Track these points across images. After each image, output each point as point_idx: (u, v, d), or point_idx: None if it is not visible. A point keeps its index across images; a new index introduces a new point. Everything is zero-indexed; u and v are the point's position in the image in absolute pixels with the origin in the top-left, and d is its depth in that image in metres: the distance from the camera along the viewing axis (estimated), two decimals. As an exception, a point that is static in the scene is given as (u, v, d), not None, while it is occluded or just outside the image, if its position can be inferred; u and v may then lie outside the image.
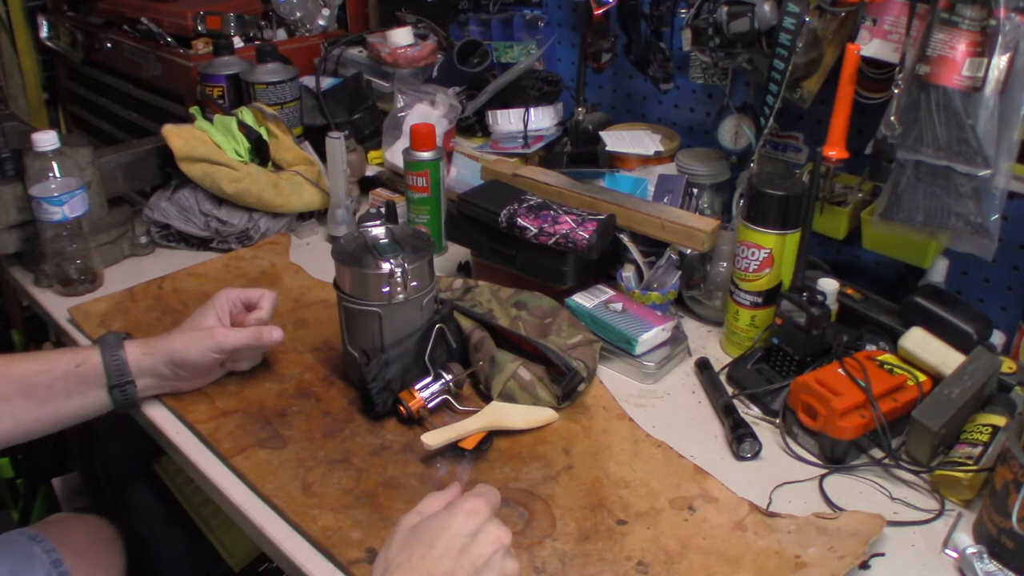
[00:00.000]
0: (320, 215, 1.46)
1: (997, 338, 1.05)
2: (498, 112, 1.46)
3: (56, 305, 1.21)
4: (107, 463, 1.56)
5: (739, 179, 1.31)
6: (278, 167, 1.41)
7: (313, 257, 1.36)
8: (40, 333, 1.96)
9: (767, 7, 1.08)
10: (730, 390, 1.04)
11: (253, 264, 1.32)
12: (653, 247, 1.18)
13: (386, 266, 0.94)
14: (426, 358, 0.98)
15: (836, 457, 0.92)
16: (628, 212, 1.17)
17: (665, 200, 1.24)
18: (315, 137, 1.45)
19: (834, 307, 1.05)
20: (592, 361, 1.02)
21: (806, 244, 1.03)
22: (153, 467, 1.51)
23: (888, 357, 0.99)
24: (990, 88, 0.90)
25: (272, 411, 0.99)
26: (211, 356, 0.96)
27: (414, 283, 0.95)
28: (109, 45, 1.80)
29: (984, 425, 0.89)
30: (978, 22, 0.88)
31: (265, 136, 1.39)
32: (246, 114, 1.40)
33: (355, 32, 1.77)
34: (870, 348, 1.03)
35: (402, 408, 0.95)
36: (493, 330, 1.05)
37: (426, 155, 1.30)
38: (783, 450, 0.95)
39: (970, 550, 0.78)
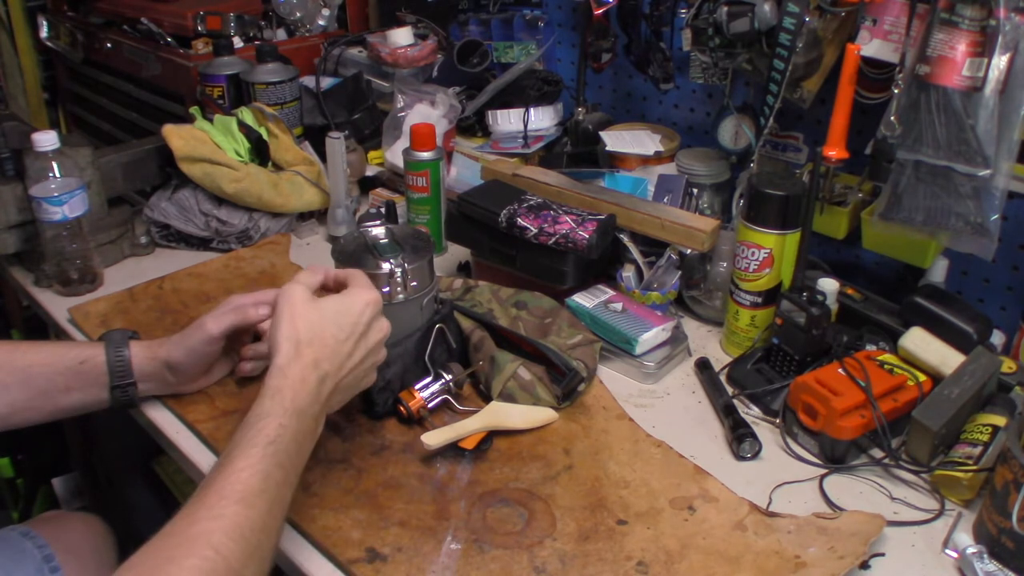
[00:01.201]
0: (320, 215, 1.46)
1: (997, 338, 1.06)
2: (498, 112, 1.46)
3: (56, 305, 1.21)
4: (107, 463, 1.56)
5: (739, 179, 1.31)
6: (278, 167, 1.41)
7: (313, 257, 1.36)
8: (40, 333, 1.96)
9: (767, 7, 1.08)
10: (730, 390, 1.04)
11: (253, 264, 1.32)
12: (653, 247, 1.18)
13: (386, 266, 0.94)
14: (426, 358, 0.98)
15: (836, 457, 0.92)
16: (628, 212, 1.17)
17: (665, 200, 1.24)
18: (315, 137, 1.44)
19: (834, 307, 1.05)
20: (592, 361, 1.02)
21: (806, 244, 1.03)
22: (153, 467, 1.51)
23: (888, 357, 0.99)
24: (990, 88, 0.90)
25: (272, 411, 0.98)
26: (205, 348, 0.95)
27: (414, 283, 0.95)
28: (109, 45, 1.80)
29: (984, 425, 0.89)
30: (978, 22, 0.88)
31: (265, 136, 1.39)
32: (246, 114, 1.40)
33: (355, 32, 1.77)
34: (870, 348, 1.03)
35: (402, 408, 0.95)
36: (493, 330, 1.05)
37: (426, 155, 1.30)
38: (783, 450, 0.95)
39: (970, 550, 0.78)
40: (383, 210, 1.33)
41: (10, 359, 0.91)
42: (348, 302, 0.81)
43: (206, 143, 1.33)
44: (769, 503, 0.87)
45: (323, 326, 0.79)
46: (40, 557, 1.02)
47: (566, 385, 0.98)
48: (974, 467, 0.85)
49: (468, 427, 0.92)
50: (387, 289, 0.94)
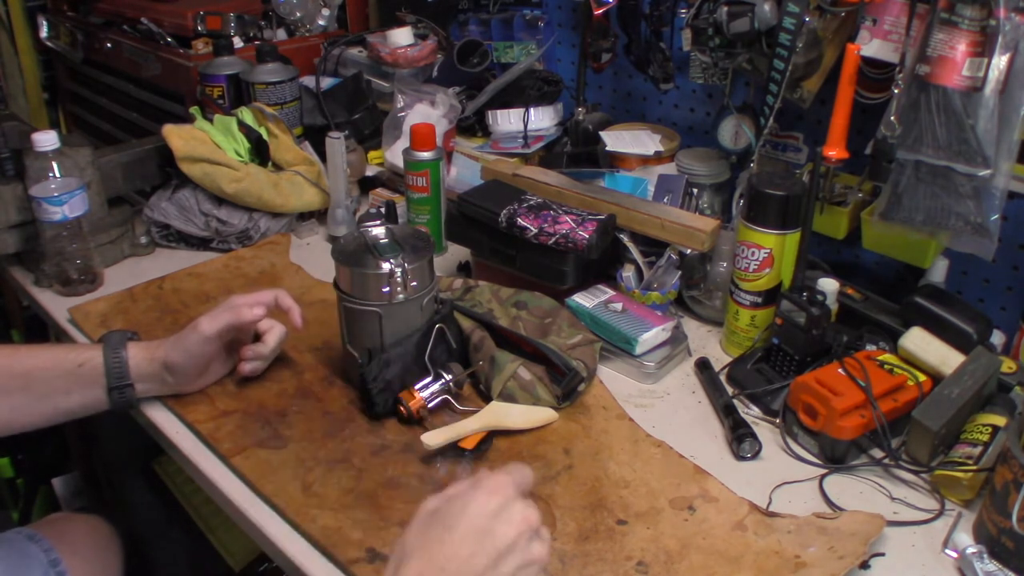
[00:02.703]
0: (320, 215, 1.46)
1: (997, 338, 1.06)
2: (498, 112, 1.46)
3: (56, 305, 1.21)
4: (107, 463, 1.56)
5: (739, 179, 1.31)
6: (278, 167, 1.41)
7: (313, 257, 1.36)
8: (40, 333, 1.96)
9: (767, 7, 1.08)
10: (730, 390, 1.04)
11: (253, 264, 1.32)
12: (653, 247, 1.18)
13: (386, 266, 0.94)
14: (426, 358, 0.98)
15: (836, 457, 0.92)
16: (628, 212, 1.17)
17: (665, 200, 1.24)
18: (315, 137, 1.44)
19: (834, 307, 1.05)
20: (592, 361, 1.02)
21: (806, 244, 1.03)
22: (153, 467, 1.51)
23: (888, 357, 0.99)
24: (990, 88, 0.90)
25: (272, 411, 0.99)
26: (201, 348, 0.95)
27: (414, 283, 0.95)
28: (109, 45, 1.80)
29: (984, 425, 0.89)
30: (978, 22, 0.88)
31: (265, 136, 1.39)
32: (246, 114, 1.40)
33: (355, 32, 1.77)
34: (870, 348, 1.03)
35: (402, 408, 0.95)
36: (493, 330, 1.05)
37: (426, 155, 1.31)
38: (783, 450, 0.95)
39: (970, 550, 0.78)
40: (383, 210, 1.33)
41: (10, 364, 0.92)
42: (468, 493, 0.64)
43: (206, 143, 1.33)
44: (769, 503, 0.87)
45: (432, 530, 0.62)
46: (46, 560, 1.02)
47: (566, 385, 0.98)
48: (974, 467, 0.85)
49: (468, 427, 0.92)
50: (387, 289, 0.94)
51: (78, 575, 1.04)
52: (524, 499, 0.64)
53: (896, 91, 0.96)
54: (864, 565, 0.79)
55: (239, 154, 1.37)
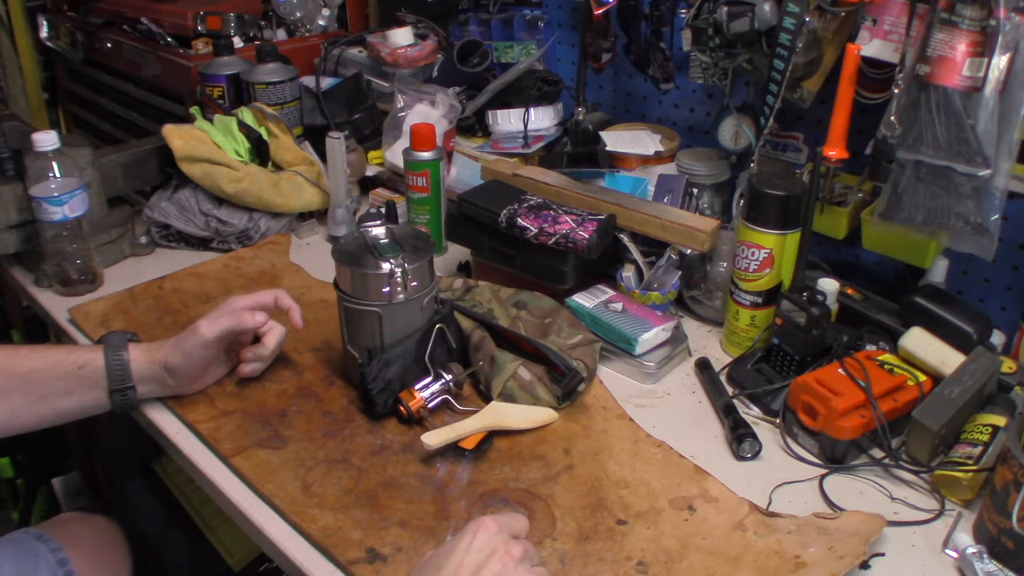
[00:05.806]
0: (320, 215, 1.46)
1: (997, 338, 1.06)
2: (498, 112, 1.46)
3: (56, 305, 1.21)
4: (107, 463, 1.56)
5: (739, 179, 1.31)
6: (278, 167, 1.41)
7: (313, 257, 1.36)
8: (40, 333, 1.96)
9: (767, 7, 1.08)
10: (730, 390, 1.04)
11: (253, 264, 1.32)
12: (653, 247, 1.18)
13: (386, 266, 0.94)
14: (426, 358, 0.98)
15: (836, 457, 0.92)
16: (628, 212, 1.17)
17: (665, 200, 1.24)
18: (315, 137, 1.45)
19: (834, 307, 1.05)
20: (592, 361, 1.02)
21: (806, 244, 1.03)
22: (153, 467, 1.51)
23: (888, 357, 0.99)
24: (990, 88, 0.90)
25: (272, 411, 0.99)
26: (200, 352, 0.95)
27: (414, 283, 0.95)
28: (109, 45, 1.80)
29: (984, 425, 0.89)
30: (978, 22, 0.88)
31: (265, 136, 1.39)
32: (246, 114, 1.40)
33: (355, 32, 1.77)
34: (870, 348, 1.03)
35: (402, 408, 0.95)
36: (493, 330, 1.05)
37: (426, 155, 1.31)
38: (783, 450, 0.95)
39: (970, 550, 0.78)
40: (383, 210, 1.33)
41: (10, 365, 0.92)
42: (456, 536, 0.68)
43: (206, 143, 1.33)
44: (769, 503, 0.87)
45: (422, 573, 0.67)
46: (54, 561, 1.02)
47: (566, 385, 0.98)
48: (974, 467, 0.85)
49: (468, 427, 0.92)
50: (387, 289, 0.94)
51: None
52: (509, 537, 0.68)
53: (896, 91, 0.96)
54: (864, 565, 0.79)
55: (239, 154, 1.37)
